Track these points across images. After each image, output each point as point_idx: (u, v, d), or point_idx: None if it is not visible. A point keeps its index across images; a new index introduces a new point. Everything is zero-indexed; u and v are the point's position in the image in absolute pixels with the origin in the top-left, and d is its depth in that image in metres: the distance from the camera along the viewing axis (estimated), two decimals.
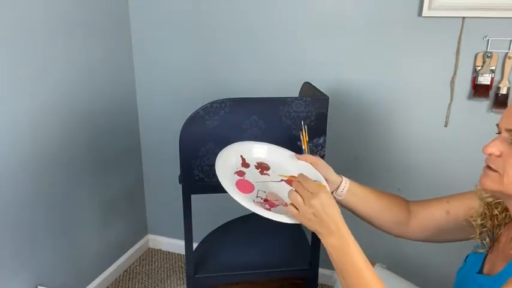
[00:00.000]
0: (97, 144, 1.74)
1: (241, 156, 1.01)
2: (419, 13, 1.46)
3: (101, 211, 1.82)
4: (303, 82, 1.50)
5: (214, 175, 1.16)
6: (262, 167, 1.01)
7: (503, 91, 1.43)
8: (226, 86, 1.79)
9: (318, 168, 0.99)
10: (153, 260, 2.13)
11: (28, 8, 1.34)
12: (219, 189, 1.19)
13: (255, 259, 1.35)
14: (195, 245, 1.32)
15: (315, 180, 0.81)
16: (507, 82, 1.43)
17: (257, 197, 0.91)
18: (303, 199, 0.80)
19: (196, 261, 1.32)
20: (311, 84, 1.40)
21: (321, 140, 1.18)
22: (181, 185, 1.18)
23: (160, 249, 2.20)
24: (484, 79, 1.44)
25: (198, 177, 1.17)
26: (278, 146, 1.06)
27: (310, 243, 1.28)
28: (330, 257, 0.81)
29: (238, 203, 0.85)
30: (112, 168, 1.86)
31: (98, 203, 1.79)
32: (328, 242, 0.80)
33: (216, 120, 1.11)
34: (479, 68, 1.44)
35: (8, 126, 1.32)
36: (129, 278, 1.98)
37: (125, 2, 1.82)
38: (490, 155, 0.75)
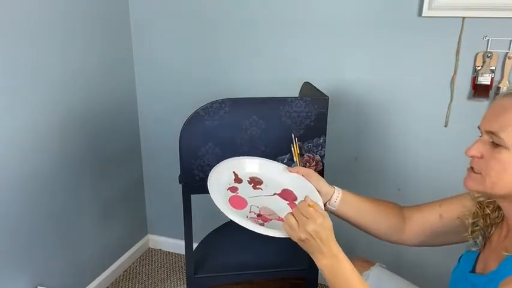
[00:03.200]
0: (97, 144, 1.74)
1: (234, 172, 1.02)
2: (419, 13, 1.46)
3: (101, 211, 1.82)
4: (303, 82, 1.50)
5: None
6: (255, 182, 1.01)
7: (503, 91, 1.43)
8: (226, 86, 1.79)
9: (310, 179, 1.00)
10: (153, 260, 2.13)
11: (27, 7, 1.34)
12: None
13: (255, 259, 1.35)
14: (195, 245, 1.32)
15: (313, 203, 0.83)
16: (507, 82, 1.43)
17: (250, 212, 0.92)
18: (297, 222, 0.81)
19: (196, 261, 1.32)
20: (311, 84, 1.40)
21: (321, 140, 1.18)
22: (181, 185, 1.18)
23: (160, 249, 2.20)
24: (484, 79, 1.44)
25: (198, 177, 1.17)
26: (270, 160, 1.07)
27: None
28: (324, 276, 0.83)
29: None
30: (112, 168, 1.86)
31: (98, 203, 1.79)
32: (321, 263, 0.83)
33: (216, 120, 1.11)
34: (479, 68, 1.44)
35: (7, 126, 1.32)
36: (129, 278, 1.98)
37: (125, 2, 1.82)
38: (472, 157, 0.78)
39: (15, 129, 1.35)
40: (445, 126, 1.54)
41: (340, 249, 0.82)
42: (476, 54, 1.44)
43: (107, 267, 1.91)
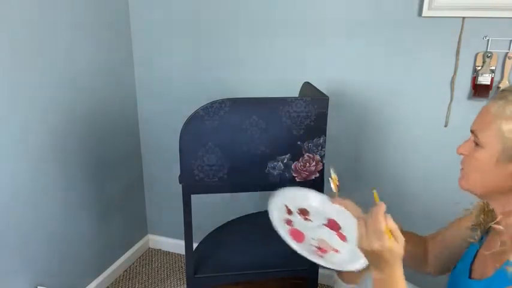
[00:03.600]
0: (97, 144, 1.74)
1: (285, 205, 1.04)
2: (419, 13, 1.46)
3: (101, 211, 1.82)
4: (303, 82, 1.50)
5: (214, 175, 1.17)
6: (304, 213, 1.05)
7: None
8: (226, 86, 1.79)
9: (348, 209, 1.03)
10: (153, 260, 2.13)
11: (27, 8, 1.34)
12: (219, 189, 1.20)
13: (255, 259, 1.35)
14: (195, 245, 1.33)
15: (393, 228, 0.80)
16: (507, 82, 1.43)
17: (311, 245, 0.95)
18: (366, 233, 0.78)
19: (196, 261, 1.32)
20: (311, 84, 1.40)
21: (321, 140, 1.18)
22: (181, 185, 1.18)
23: (160, 249, 2.20)
24: (484, 79, 1.44)
25: (198, 177, 1.17)
26: (311, 190, 1.09)
27: None
28: (373, 285, 0.81)
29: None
30: (112, 168, 1.86)
31: (98, 203, 1.79)
32: (376, 276, 0.80)
33: (216, 120, 1.11)
34: (479, 68, 1.44)
35: (8, 127, 1.32)
36: (129, 278, 1.98)
37: (125, 2, 1.82)
38: (461, 154, 0.83)
39: (16, 130, 1.35)
40: (445, 126, 1.54)
41: (400, 267, 0.77)
42: (476, 54, 1.44)
43: (107, 267, 1.91)
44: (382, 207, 0.78)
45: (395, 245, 0.75)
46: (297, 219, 1.02)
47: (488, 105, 0.79)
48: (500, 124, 0.75)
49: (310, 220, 1.03)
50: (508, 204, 0.78)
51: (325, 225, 1.03)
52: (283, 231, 0.92)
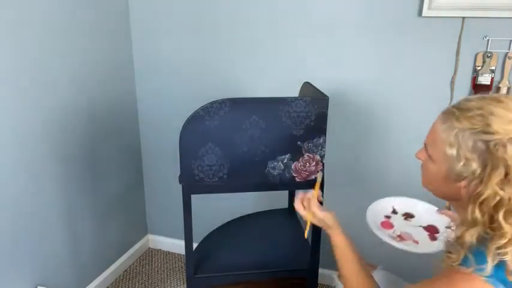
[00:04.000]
0: (97, 144, 1.74)
1: (393, 206, 1.22)
2: (419, 13, 1.46)
3: (101, 211, 1.82)
4: (303, 82, 1.50)
5: (214, 175, 1.17)
6: (408, 215, 1.20)
7: (503, 91, 1.43)
8: (226, 86, 1.79)
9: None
10: (153, 260, 2.13)
11: (27, 7, 1.34)
12: (219, 189, 1.20)
13: (255, 259, 1.35)
14: (195, 245, 1.33)
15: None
16: (507, 82, 1.43)
17: (394, 232, 1.12)
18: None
19: (196, 261, 1.32)
20: (311, 84, 1.40)
21: (321, 140, 1.18)
22: (181, 185, 1.18)
23: (160, 249, 2.20)
24: (484, 79, 1.44)
25: (198, 177, 1.17)
26: (424, 202, 1.21)
27: (310, 243, 1.28)
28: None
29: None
30: (112, 168, 1.86)
31: (98, 203, 1.79)
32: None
33: (216, 120, 1.11)
34: (479, 68, 1.44)
35: (8, 126, 1.32)
36: (129, 278, 1.98)
37: (124, 2, 1.82)
38: (418, 159, 0.91)
39: (16, 129, 1.35)
40: None
41: (337, 237, 1.00)
42: (476, 54, 1.44)
43: (107, 267, 1.91)
44: (302, 195, 1.03)
45: (318, 219, 1.01)
46: (396, 217, 1.18)
47: (436, 123, 0.81)
48: (445, 148, 0.76)
49: (409, 221, 1.17)
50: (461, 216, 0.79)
51: (422, 227, 1.14)
52: (370, 218, 1.12)
